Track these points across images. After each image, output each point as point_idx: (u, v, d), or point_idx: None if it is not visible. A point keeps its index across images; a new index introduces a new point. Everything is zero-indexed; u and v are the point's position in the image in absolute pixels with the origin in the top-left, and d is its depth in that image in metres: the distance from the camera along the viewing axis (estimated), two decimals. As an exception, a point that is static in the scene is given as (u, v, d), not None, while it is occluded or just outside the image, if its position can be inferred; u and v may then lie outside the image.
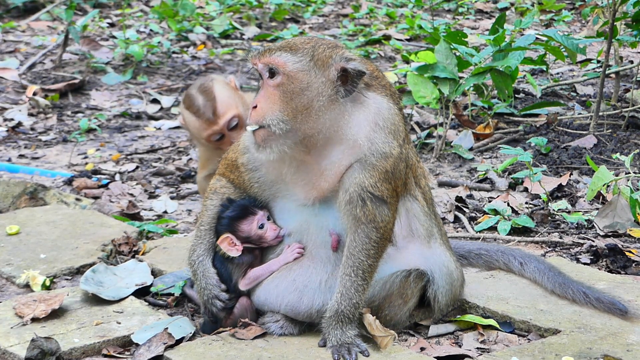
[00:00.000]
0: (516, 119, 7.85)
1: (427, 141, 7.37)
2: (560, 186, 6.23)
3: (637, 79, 8.03)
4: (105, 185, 6.61)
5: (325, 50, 4.01)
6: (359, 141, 3.99)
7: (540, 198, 6.09)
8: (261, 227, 4.22)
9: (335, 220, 4.11)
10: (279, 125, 3.95)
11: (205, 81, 5.15)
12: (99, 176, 6.88)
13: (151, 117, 8.64)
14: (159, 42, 10.99)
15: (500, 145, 7.16)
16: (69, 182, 6.69)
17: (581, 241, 5.39)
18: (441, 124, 7.23)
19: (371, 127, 4.02)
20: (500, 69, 7.00)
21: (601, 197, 6.00)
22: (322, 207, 4.12)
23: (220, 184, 4.37)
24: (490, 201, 6.14)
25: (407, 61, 9.70)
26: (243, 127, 4.84)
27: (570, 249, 5.33)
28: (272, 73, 3.99)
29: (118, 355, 4.12)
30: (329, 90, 3.99)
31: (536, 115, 7.92)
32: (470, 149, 7.22)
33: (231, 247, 4.22)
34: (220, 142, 5.06)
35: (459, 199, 6.14)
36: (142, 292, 4.70)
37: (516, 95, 8.51)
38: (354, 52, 4.16)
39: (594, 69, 9.61)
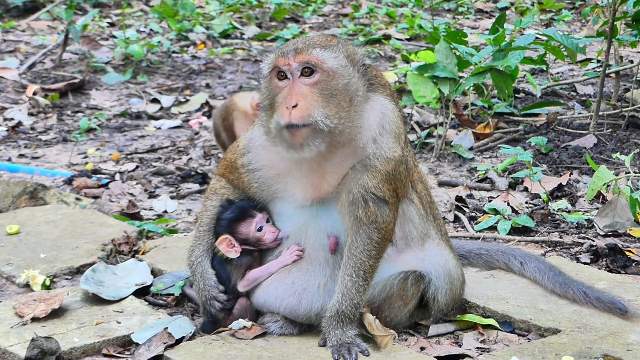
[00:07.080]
0: (516, 118, 7.85)
1: (427, 141, 7.36)
2: (560, 186, 6.23)
3: (637, 78, 8.02)
4: (105, 185, 6.60)
5: (349, 46, 4.02)
6: (364, 142, 3.98)
7: (540, 198, 6.09)
8: (259, 229, 4.20)
9: (333, 222, 4.10)
10: (326, 122, 3.86)
11: None
12: (99, 176, 6.88)
13: (151, 117, 8.63)
14: (159, 42, 10.99)
15: (500, 145, 7.15)
16: (69, 181, 6.68)
17: (581, 241, 5.38)
18: (441, 124, 7.22)
19: (377, 128, 4.02)
20: (500, 69, 6.99)
21: (601, 197, 6.00)
22: (320, 209, 4.11)
23: (220, 184, 4.35)
24: (490, 201, 6.14)
25: (407, 61, 9.70)
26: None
27: (570, 249, 5.33)
28: (309, 71, 3.92)
29: (118, 355, 4.12)
30: (362, 85, 3.99)
31: (536, 114, 7.92)
32: (470, 149, 7.21)
33: (230, 248, 4.21)
34: None
35: (459, 198, 6.13)
36: (142, 292, 4.70)
37: (516, 95, 8.51)
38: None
39: (594, 68, 9.60)
